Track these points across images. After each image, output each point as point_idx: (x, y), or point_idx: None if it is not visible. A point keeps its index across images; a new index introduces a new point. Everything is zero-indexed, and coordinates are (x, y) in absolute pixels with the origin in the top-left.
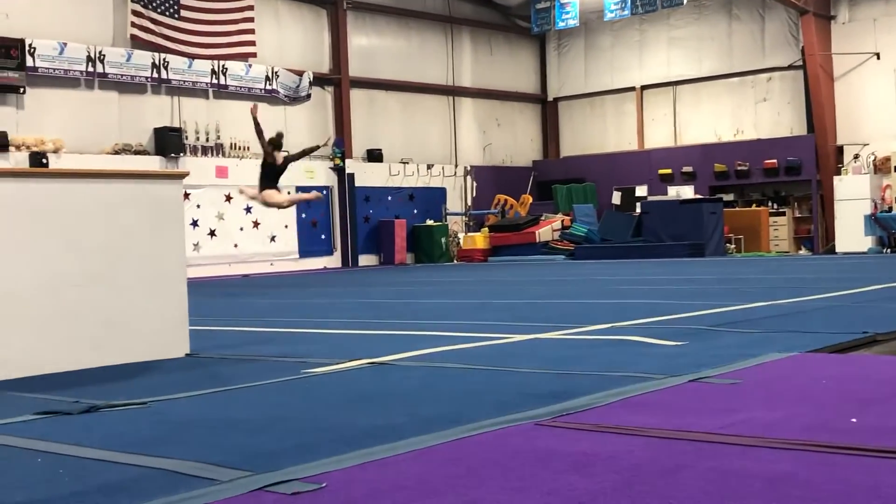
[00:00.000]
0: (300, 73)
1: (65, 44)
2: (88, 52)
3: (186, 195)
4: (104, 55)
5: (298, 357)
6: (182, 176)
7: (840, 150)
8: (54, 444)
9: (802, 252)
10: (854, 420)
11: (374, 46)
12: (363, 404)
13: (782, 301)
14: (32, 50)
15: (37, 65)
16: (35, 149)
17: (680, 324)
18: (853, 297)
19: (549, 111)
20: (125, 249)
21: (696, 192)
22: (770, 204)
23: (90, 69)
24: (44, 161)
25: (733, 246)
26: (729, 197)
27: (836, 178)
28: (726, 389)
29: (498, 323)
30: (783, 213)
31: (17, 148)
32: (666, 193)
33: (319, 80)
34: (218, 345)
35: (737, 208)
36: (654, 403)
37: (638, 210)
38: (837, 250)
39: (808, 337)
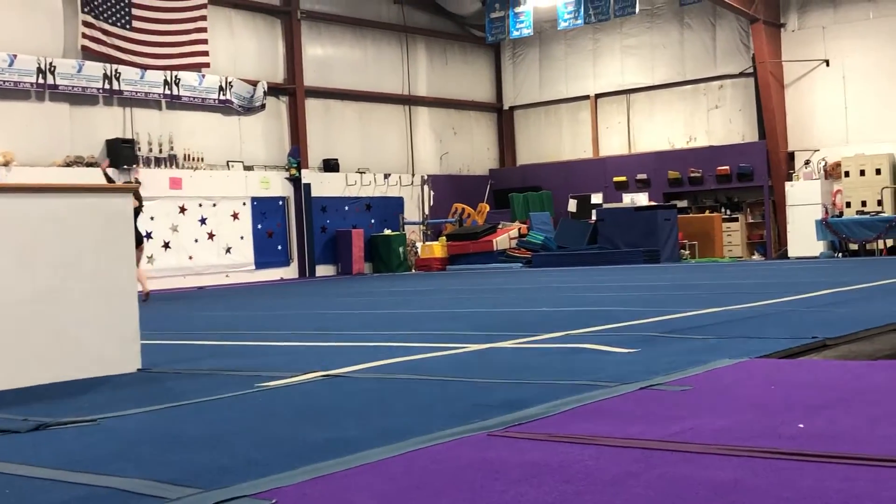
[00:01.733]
0: (254, 83)
1: (14, 56)
2: (39, 64)
3: None
4: (55, 67)
5: (252, 370)
6: (131, 190)
7: (791, 155)
8: (1, 463)
9: (756, 257)
10: (801, 426)
11: (329, 56)
12: (315, 418)
13: (734, 307)
14: None
15: None
16: None
17: (633, 331)
18: (804, 302)
19: (504, 120)
20: (75, 264)
21: (650, 199)
22: (723, 210)
23: (40, 81)
24: None
25: (688, 252)
26: (683, 203)
27: (787, 184)
28: (677, 396)
29: (452, 332)
30: (736, 219)
31: None
32: (621, 201)
33: (274, 90)
34: (170, 359)
35: (690, 215)
36: (606, 411)
37: (594, 217)
38: (790, 255)
39: (759, 343)
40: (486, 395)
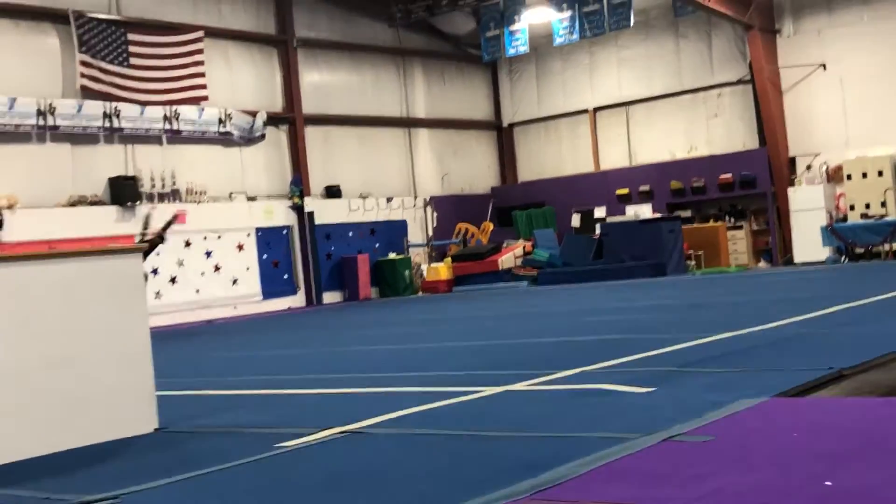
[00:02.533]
0: (254, 114)
1: (14, 99)
2: (39, 106)
3: None
4: (55, 108)
5: (269, 427)
6: (140, 249)
7: (793, 161)
8: None
9: (762, 265)
10: (828, 483)
11: (326, 82)
12: (337, 489)
13: (748, 330)
14: None
15: None
16: None
17: (648, 365)
18: (817, 322)
19: (504, 137)
20: (87, 328)
21: (654, 211)
22: (727, 218)
23: (41, 122)
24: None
25: (693, 263)
26: (686, 213)
27: (790, 190)
28: (700, 449)
29: (467, 373)
30: (741, 227)
31: None
32: (624, 213)
33: (273, 120)
34: (187, 414)
35: (695, 225)
36: (630, 471)
37: (598, 232)
38: (796, 261)
39: (776, 376)
40: (506, 455)
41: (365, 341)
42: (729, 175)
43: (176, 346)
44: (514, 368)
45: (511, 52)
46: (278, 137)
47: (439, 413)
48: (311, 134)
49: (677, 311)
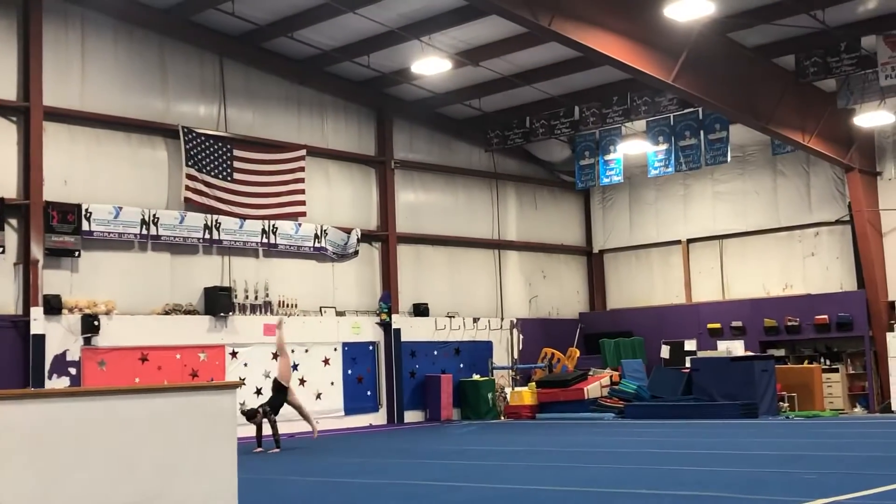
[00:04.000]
0: (348, 231)
1: (120, 208)
2: (143, 216)
3: (234, 353)
4: (158, 218)
5: None
6: (235, 386)
7: (892, 305)
8: None
9: (857, 410)
10: None
11: (420, 202)
12: None
13: (845, 497)
14: (88, 214)
15: (92, 228)
16: (87, 311)
17: None
18: None
19: (594, 263)
20: (177, 465)
21: (746, 348)
22: (822, 360)
23: (144, 231)
24: (95, 323)
25: (787, 405)
26: (780, 352)
27: (889, 335)
28: None
29: None
30: (836, 370)
31: (70, 310)
32: (715, 348)
33: (367, 237)
34: None
35: (789, 365)
36: None
37: (688, 365)
38: (894, 408)
39: None
40: None
41: (445, 476)
42: (825, 316)
43: (258, 464)
44: None
45: (605, 181)
46: (371, 254)
47: None
48: (403, 252)
49: (771, 465)
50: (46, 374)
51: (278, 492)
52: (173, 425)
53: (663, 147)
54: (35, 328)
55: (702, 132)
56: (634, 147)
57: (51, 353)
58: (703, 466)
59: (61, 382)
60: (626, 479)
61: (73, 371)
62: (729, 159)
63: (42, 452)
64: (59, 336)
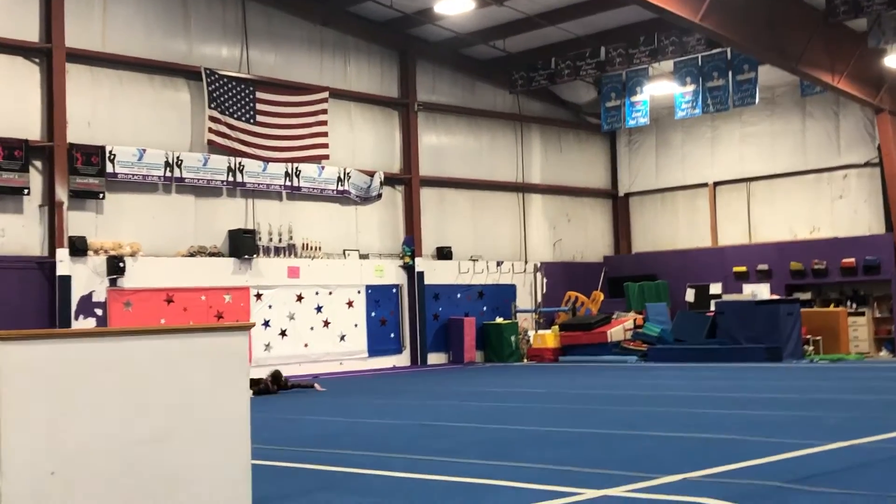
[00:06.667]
0: (371, 174)
1: (144, 150)
2: (167, 158)
3: (259, 296)
4: (181, 160)
5: None
6: (248, 327)
7: None
8: None
9: (883, 354)
10: None
11: (443, 145)
12: None
13: (864, 440)
14: (112, 156)
15: (116, 171)
16: (112, 252)
17: (754, 477)
18: None
19: (620, 206)
20: (188, 405)
21: (772, 292)
22: (849, 304)
23: (168, 174)
24: (121, 265)
25: (811, 348)
26: (806, 296)
27: None
28: None
29: (563, 468)
30: (862, 314)
31: (96, 252)
32: (741, 291)
33: (390, 180)
34: (281, 493)
35: (814, 308)
36: None
37: (712, 309)
38: None
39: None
40: None
41: (466, 416)
42: (852, 259)
43: (281, 404)
44: (615, 467)
45: (631, 122)
46: (394, 197)
47: None
48: (426, 195)
49: (792, 408)
50: (73, 315)
51: (292, 431)
52: (185, 366)
53: (690, 88)
54: (61, 269)
55: (730, 73)
56: (661, 88)
57: (77, 294)
58: (723, 409)
59: (88, 323)
60: (643, 422)
61: (99, 312)
62: (757, 101)
63: (52, 393)
64: (85, 277)
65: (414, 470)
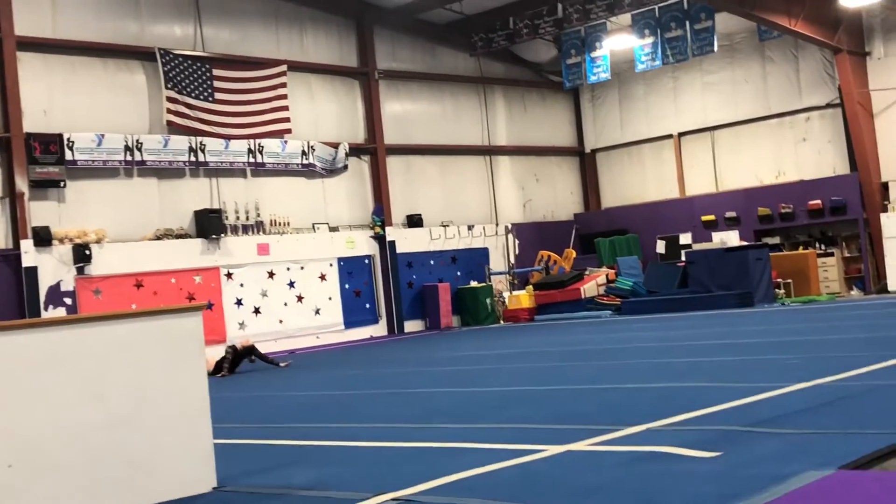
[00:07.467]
0: (336, 145)
1: (102, 135)
2: (126, 142)
3: (230, 275)
4: (141, 143)
5: (323, 489)
6: (200, 308)
7: (885, 186)
8: None
9: (854, 293)
10: None
11: (407, 112)
12: None
13: (828, 379)
14: (71, 144)
15: (76, 158)
16: (78, 240)
17: (718, 421)
18: None
19: (587, 163)
20: (146, 388)
21: (741, 237)
22: (817, 245)
23: (128, 158)
24: (87, 252)
25: (782, 291)
26: (775, 240)
27: (883, 216)
28: None
29: (531, 426)
30: (832, 254)
31: (61, 241)
32: (710, 240)
33: (355, 150)
34: (246, 469)
35: (784, 252)
36: None
37: (683, 259)
38: (890, 288)
39: (849, 441)
40: None
41: (437, 382)
42: (818, 201)
43: (252, 383)
44: (580, 422)
45: (592, 78)
46: (360, 168)
47: (495, 479)
48: (393, 164)
49: (760, 352)
50: (42, 306)
51: (260, 408)
52: (140, 350)
53: (649, 40)
54: (26, 261)
55: (687, 23)
56: (621, 42)
57: (45, 284)
58: (694, 357)
59: (58, 313)
60: (612, 376)
61: (68, 301)
62: (716, 49)
63: (4, 385)
64: (52, 267)
65: (380, 438)
